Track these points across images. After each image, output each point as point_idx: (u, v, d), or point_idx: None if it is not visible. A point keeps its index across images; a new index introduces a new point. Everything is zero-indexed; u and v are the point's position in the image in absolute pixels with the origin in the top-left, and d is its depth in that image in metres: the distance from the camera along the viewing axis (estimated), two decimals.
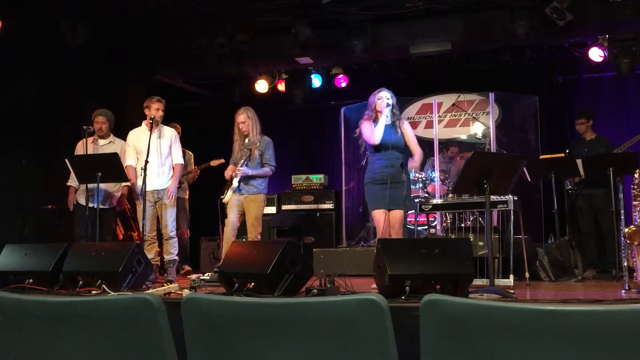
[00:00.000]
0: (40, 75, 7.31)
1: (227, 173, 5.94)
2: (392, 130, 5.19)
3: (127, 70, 7.97)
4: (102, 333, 1.73)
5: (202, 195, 7.45)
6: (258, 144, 5.86)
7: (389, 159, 5.13)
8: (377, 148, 5.18)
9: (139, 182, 5.72)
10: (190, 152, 7.45)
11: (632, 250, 4.41)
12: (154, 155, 5.75)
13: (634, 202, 4.53)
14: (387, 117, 5.15)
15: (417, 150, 5.33)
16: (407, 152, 5.32)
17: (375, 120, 5.22)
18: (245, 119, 5.87)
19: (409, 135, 5.30)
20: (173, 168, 5.99)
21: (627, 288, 4.31)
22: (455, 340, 1.45)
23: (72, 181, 6.21)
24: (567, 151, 6.65)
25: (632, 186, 4.63)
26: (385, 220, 5.10)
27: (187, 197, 7.32)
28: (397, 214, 5.11)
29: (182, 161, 6.11)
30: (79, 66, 7.36)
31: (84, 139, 5.96)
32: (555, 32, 7.00)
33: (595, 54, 7.84)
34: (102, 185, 5.77)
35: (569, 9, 6.47)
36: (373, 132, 5.15)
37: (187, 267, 6.94)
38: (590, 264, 6.14)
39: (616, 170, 5.58)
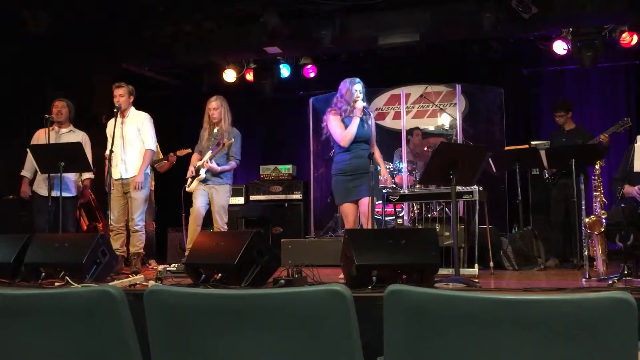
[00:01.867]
0: (3, 63, 7.11)
1: (191, 170, 5.83)
2: (366, 123, 5.10)
3: (93, 59, 7.81)
4: (64, 326, 1.70)
5: (168, 186, 7.36)
6: (227, 134, 5.81)
7: (357, 151, 5.05)
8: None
9: (114, 171, 5.65)
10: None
11: (592, 239, 4.51)
12: (118, 143, 5.66)
13: (595, 193, 4.63)
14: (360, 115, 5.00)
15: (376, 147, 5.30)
16: (379, 140, 5.30)
17: (348, 115, 5.04)
18: (217, 106, 5.80)
19: (374, 131, 5.29)
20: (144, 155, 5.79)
21: (587, 277, 4.42)
22: (418, 330, 1.47)
23: (26, 172, 6.07)
24: (549, 141, 6.77)
25: (592, 177, 4.73)
26: (355, 213, 5.04)
27: (152, 188, 7.22)
28: (366, 201, 5.00)
29: (152, 147, 5.86)
30: (43, 54, 7.19)
31: (46, 128, 5.82)
32: (521, 25, 7.10)
33: (559, 47, 7.98)
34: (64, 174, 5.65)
35: (534, 2, 6.56)
36: (344, 135, 5.00)
37: (154, 263, 6.85)
38: (554, 253, 6.27)
39: (578, 162, 5.69)
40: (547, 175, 6.68)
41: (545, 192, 6.75)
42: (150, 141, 5.84)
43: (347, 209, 5.08)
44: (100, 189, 6.32)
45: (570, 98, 8.45)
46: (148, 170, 5.95)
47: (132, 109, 5.89)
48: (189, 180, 5.86)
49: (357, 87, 5.06)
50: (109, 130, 5.84)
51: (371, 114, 5.30)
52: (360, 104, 5.01)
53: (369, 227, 4.97)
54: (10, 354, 1.78)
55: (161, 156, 7.16)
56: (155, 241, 7.45)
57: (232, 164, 5.87)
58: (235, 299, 1.63)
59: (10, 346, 1.78)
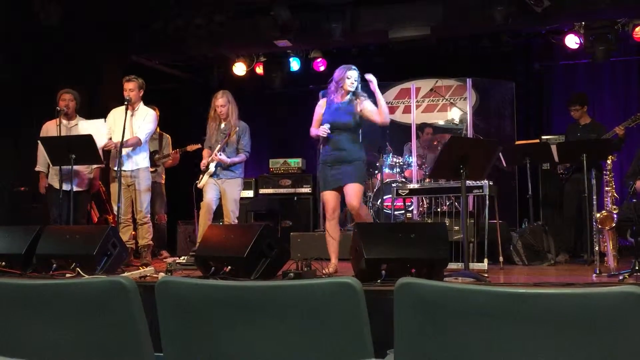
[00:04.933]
0: (13, 54, 7.15)
1: (203, 163, 5.85)
2: (346, 111, 4.91)
3: (103, 51, 7.83)
4: (76, 316, 1.71)
5: (178, 179, 7.39)
6: (237, 128, 5.82)
7: (337, 142, 4.87)
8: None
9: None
10: (168, 135, 7.37)
11: (603, 235, 4.49)
12: (127, 136, 5.67)
13: (606, 188, 4.60)
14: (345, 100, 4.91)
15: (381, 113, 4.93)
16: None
17: (332, 100, 4.99)
18: (225, 103, 5.78)
19: (370, 110, 4.93)
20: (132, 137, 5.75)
21: (598, 272, 4.40)
22: (428, 323, 1.47)
23: (41, 166, 6.10)
24: (564, 136, 6.74)
25: (604, 172, 4.70)
26: (334, 201, 4.93)
27: (163, 181, 7.25)
28: (350, 188, 4.80)
29: (141, 137, 5.78)
30: (53, 46, 7.21)
31: (56, 119, 5.85)
32: (533, 19, 7.03)
33: (572, 41, 7.91)
34: (75, 167, 5.68)
35: None
36: (314, 123, 5.01)
37: (165, 253, 6.91)
38: (564, 248, 6.24)
39: (589, 156, 5.66)
40: (560, 170, 6.64)
41: (558, 187, 6.71)
42: (143, 133, 5.80)
43: (325, 196, 4.99)
44: (106, 180, 6.34)
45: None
46: (149, 164, 5.97)
47: (141, 103, 5.90)
48: (200, 175, 5.86)
49: (351, 74, 4.91)
50: (112, 119, 5.85)
51: (363, 100, 4.98)
52: (347, 85, 4.87)
53: (366, 217, 4.94)
54: (22, 343, 1.80)
55: (169, 151, 7.19)
56: (166, 233, 7.50)
57: (242, 156, 5.86)
58: (245, 291, 1.64)
59: (22, 335, 1.79)
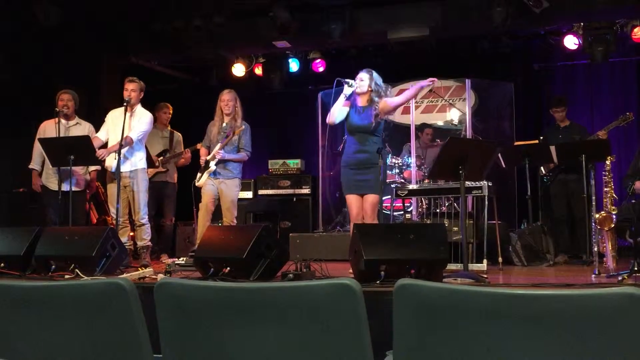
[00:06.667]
0: (13, 55, 7.15)
1: (202, 160, 5.88)
2: (366, 114, 5.01)
3: (102, 52, 7.84)
4: (75, 318, 1.71)
5: (179, 180, 7.38)
6: (239, 127, 5.84)
7: (361, 144, 4.98)
8: (350, 131, 5.08)
9: (108, 162, 5.66)
10: (179, 133, 7.34)
11: (602, 235, 4.49)
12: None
13: (605, 189, 4.60)
14: (344, 97, 5.02)
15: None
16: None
17: (357, 102, 5.10)
18: (231, 99, 5.87)
19: (388, 103, 5.09)
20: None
21: (597, 273, 4.40)
22: (428, 324, 1.47)
23: (35, 164, 6.09)
24: (542, 138, 6.72)
25: (603, 172, 4.71)
26: (359, 206, 5.03)
27: (175, 181, 7.15)
28: (369, 198, 4.97)
29: (133, 136, 5.69)
30: (53, 46, 7.22)
31: (55, 120, 5.85)
32: (532, 20, 7.05)
33: (570, 42, 7.91)
34: (72, 167, 5.67)
35: None
36: (332, 112, 5.06)
37: (165, 257, 6.88)
38: (562, 249, 6.24)
39: (589, 157, 5.67)
40: (543, 172, 6.66)
41: (544, 189, 6.73)
42: (135, 133, 5.71)
43: (350, 200, 5.07)
44: (104, 181, 6.34)
45: (580, 93, 8.42)
46: (146, 165, 5.94)
47: (139, 105, 5.89)
48: (199, 174, 5.87)
49: (359, 75, 5.10)
50: (111, 119, 5.84)
51: (381, 100, 5.09)
52: (348, 90, 5.00)
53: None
54: (22, 345, 1.80)
55: (181, 149, 7.17)
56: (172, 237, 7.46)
57: (243, 154, 5.90)
58: (245, 292, 1.64)
59: (21, 337, 1.79)
